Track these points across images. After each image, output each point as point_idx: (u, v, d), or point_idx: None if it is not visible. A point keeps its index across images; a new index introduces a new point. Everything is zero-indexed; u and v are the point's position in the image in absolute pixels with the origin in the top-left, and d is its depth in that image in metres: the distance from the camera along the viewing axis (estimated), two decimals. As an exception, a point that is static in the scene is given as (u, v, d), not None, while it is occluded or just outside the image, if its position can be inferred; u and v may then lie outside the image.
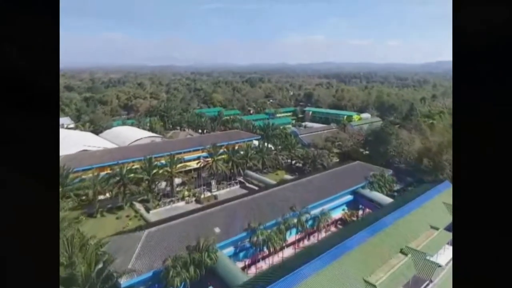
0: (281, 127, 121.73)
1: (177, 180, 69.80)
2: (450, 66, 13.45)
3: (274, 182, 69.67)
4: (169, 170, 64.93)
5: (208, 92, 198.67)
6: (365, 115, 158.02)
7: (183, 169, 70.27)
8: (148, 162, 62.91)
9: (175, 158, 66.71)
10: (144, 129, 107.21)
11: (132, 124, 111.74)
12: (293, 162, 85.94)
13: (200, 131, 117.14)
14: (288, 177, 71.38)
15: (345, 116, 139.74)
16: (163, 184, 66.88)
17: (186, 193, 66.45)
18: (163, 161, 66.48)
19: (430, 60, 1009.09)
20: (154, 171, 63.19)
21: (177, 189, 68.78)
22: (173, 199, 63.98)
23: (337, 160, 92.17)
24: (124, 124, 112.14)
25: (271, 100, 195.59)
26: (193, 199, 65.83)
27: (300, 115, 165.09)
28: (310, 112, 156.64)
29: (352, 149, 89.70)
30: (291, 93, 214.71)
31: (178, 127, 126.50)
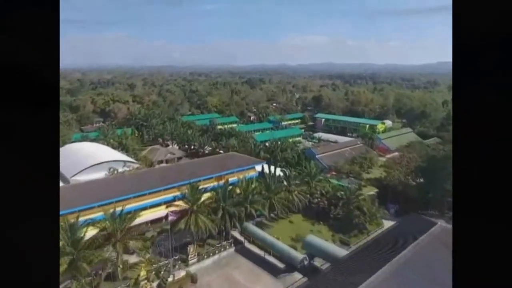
0: (290, 140, 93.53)
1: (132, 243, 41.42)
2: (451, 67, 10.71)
3: (288, 249, 41.50)
4: (113, 232, 36.84)
5: (203, 94, 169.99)
6: (386, 123, 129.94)
7: (143, 222, 42.49)
8: (70, 227, 34.58)
9: (122, 207, 38.49)
10: (112, 145, 78.89)
11: (96, 139, 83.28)
12: (314, 200, 57.40)
13: (187, 146, 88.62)
14: (313, 239, 42.85)
15: (367, 125, 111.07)
16: (107, 252, 38.41)
17: (143, 273, 38.12)
18: (100, 215, 38.35)
19: (430, 61, 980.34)
20: (85, 239, 34.98)
21: (131, 260, 40.58)
22: (117, 288, 35.74)
23: (374, 192, 64.16)
24: (85, 138, 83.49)
25: (274, 104, 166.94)
26: (155, 284, 37.69)
27: (310, 123, 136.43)
28: (323, 120, 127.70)
29: (395, 179, 61.17)
30: (297, 95, 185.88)
31: (161, 140, 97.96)
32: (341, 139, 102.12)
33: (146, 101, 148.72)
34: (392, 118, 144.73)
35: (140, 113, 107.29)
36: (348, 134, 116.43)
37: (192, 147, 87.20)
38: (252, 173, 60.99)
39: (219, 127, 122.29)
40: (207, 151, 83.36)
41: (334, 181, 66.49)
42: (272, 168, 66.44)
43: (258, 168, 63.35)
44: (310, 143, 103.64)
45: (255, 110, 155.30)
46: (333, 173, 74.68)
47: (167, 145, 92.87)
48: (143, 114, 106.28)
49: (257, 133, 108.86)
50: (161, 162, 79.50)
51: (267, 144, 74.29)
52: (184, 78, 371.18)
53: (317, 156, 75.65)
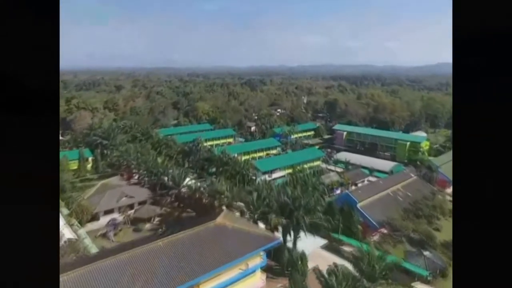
0: (306, 166, 63.50)
1: None
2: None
3: None
4: None
5: (194, 98, 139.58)
6: (418, 135, 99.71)
7: None
8: None
9: None
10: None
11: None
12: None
13: (156, 179, 57.87)
14: None
15: (408, 143, 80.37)
16: None
17: None
18: None
19: (430, 62, 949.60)
20: None
21: None
22: None
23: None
24: None
25: (279, 110, 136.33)
26: None
27: (326, 136, 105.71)
28: (344, 133, 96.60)
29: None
30: (305, 99, 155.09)
31: (125, 165, 67.24)
32: (378, 164, 71.74)
33: (123, 108, 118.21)
34: (424, 128, 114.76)
35: (102, 126, 76.64)
36: (380, 153, 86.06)
37: (165, 180, 56.54)
38: (257, 262, 30.79)
39: (211, 143, 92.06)
40: (184, 190, 52.90)
41: (398, 260, 36.47)
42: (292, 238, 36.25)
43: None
44: (333, 167, 73.29)
45: (256, 117, 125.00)
46: (384, 230, 44.79)
47: (130, 177, 62.27)
48: (106, 128, 75.65)
49: (259, 158, 78.38)
50: (111, 211, 49.17)
51: (279, 188, 43.82)
52: (181, 79, 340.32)
53: (358, 206, 45.42)
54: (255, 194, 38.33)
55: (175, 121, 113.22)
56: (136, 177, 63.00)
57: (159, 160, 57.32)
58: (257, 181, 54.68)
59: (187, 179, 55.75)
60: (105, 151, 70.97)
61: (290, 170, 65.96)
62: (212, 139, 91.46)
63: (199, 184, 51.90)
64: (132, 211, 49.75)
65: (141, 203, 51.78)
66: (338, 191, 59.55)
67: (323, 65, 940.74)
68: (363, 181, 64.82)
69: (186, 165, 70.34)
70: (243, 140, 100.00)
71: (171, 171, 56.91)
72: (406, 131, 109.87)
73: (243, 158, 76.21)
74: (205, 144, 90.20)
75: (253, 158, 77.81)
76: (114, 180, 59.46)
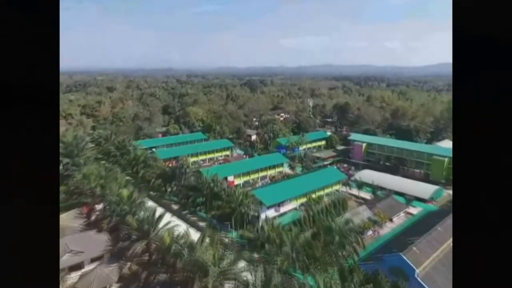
0: (323, 193, 47.58)
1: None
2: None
3: None
4: None
5: (187, 102, 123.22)
6: (445, 144, 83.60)
7: None
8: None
9: None
10: None
11: None
12: None
13: (119, 220, 41.34)
14: None
15: (446, 160, 63.86)
16: None
17: None
18: None
19: (430, 62, 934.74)
20: None
21: None
22: None
23: None
24: None
25: (282, 115, 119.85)
26: None
27: (340, 146, 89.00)
28: (363, 145, 79.79)
29: None
30: (311, 102, 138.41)
31: (89, 192, 50.76)
32: (413, 187, 55.43)
33: (107, 112, 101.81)
34: (450, 136, 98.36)
35: (66, 139, 60.19)
36: (408, 169, 69.74)
37: (132, 223, 40.15)
38: None
39: (203, 157, 76.09)
40: (156, 240, 36.42)
41: None
42: None
43: None
44: (356, 190, 56.98)
45: (257, 123, 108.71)
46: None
47: (90, 212, 45.92)
48: (70, 141, 59.26)
49: (262, 179, 62.26)
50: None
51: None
52: (178, 80, 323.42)
53: (417, 277, 29.23)
54: (258, 276, 22.02)
55: (164, 129, 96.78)
56: (101, 206, 46.81)
57: (126, 192, 40.90)
58: (260, 224, 38.70)
59: (167, 217, 39.68)
60: (67, 172, 54.91)
61: (303, 199, 50.03)
62: (206, 153, 75.28)
63: (178, 231, 35.67)
64: (78, 274, 33.55)
65: (95, 259, 35.64)
66: (370, 232, 43.44)
67: (325, 65, 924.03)
68: (399, 215, 48.72)
69: (169, 190, 54.47)
70: (242, 152, 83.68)
71: (141, 206, 40.94)
72: (430, 140, 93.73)
73: (242, 179, 60.23)
74: (197, 158, 74.35)
75: (254, 180, 61.72)
76: (67, 217, 43.20)
